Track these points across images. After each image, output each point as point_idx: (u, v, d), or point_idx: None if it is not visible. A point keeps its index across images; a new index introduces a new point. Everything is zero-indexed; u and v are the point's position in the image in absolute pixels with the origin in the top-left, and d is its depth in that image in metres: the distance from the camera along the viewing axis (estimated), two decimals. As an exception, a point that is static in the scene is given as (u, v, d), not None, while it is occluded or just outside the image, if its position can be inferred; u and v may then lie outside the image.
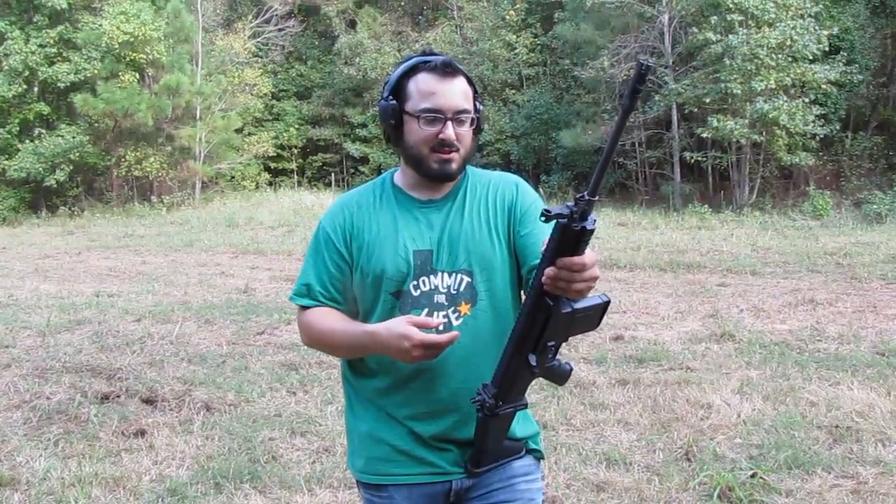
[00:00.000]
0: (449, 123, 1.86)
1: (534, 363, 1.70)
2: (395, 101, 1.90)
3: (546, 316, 1.64)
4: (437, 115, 1.86)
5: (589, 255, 1.56)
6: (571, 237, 1.53)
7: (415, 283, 1.90)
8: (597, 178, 1.51)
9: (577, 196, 1.52)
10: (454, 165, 1.90)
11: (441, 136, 1.86)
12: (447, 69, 1.88)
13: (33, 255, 15.68)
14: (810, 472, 4.18)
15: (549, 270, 1.55)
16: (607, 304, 1.68)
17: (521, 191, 2.01)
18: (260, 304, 9.35)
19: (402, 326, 1.73)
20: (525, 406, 1.86)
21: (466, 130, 1.90)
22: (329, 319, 1.96)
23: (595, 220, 1.55)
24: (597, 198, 1.52)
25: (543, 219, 1.54)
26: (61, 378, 6.16)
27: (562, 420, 5.07)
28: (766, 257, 12.39)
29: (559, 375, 1.77)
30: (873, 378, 5.76)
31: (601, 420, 5.08)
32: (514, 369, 1.74)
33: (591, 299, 1.67)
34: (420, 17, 32.66)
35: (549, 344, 1.70)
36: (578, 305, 1.63)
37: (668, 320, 8.02)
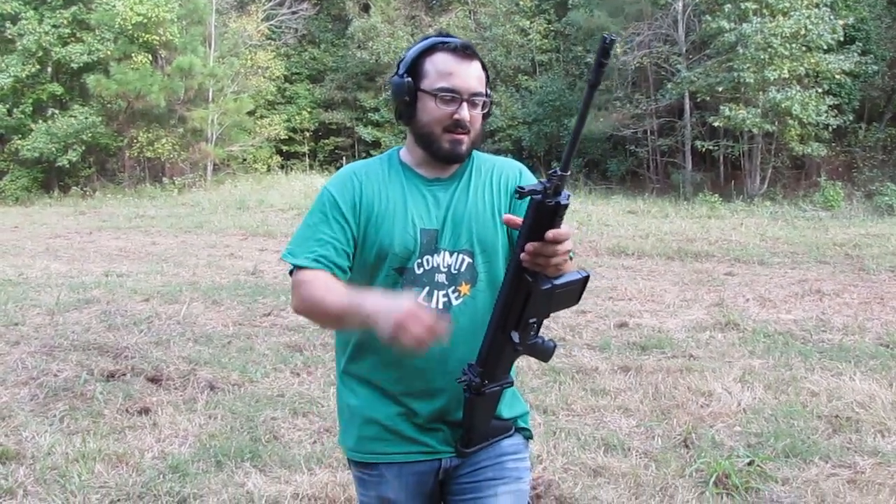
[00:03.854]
0: (464, 104, 1.87)
1: (516, 340, 1.72)
2: (410, 79, 1.90)
3: (526, 293, 1.66)
4: (453, 95, 1.87)
5: (564, 229, 1.58)
6: (546, 213, 1.56)
7: (419, 261, 1.92)
8: (567, 154, 1.53)
9: (550, 172, 1.54)
10: (464, 147, 1.91)
11: (456, 116, 1.87)
12: (466, 51, 1.90)
13: (45, 235, 15.78)
14: (808, 461, 4.19)
15: (529, 246, 1.58)
16: (586, 279, 1.70)
17: (524, 177, 2.03)
18: (267, 285, 9.40)
19: (412, 304, 1.64)
20: (511, 384, 1.89)
21: (478, 114, 1.92)
22: (326, 285, 1.86)
23: (569, 196, 1.57)
24: (568, 173, 1.54)
25: (517, 196, 1.57)
26: (68, 356, 6.22)
27: (562, 405, 5.09)
28: (775, 247, 12.37)
29: (543, 352, 1.79)
30: (876, 369, 5.76)
31: (601, 406, 5.10)
32: (497, 347, 1.76)
33: (571, 275, 1.69)
34: (434, 1, 32.55)
35: (531, 321, 1.72)
36: (558, 282, 1.65)
37: (673, 308, 8.02)
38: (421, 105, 1.91)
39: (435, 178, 1.98)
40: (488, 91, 1.95)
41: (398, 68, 1.94)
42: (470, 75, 1.89)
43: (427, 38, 1.95)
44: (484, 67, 1.94)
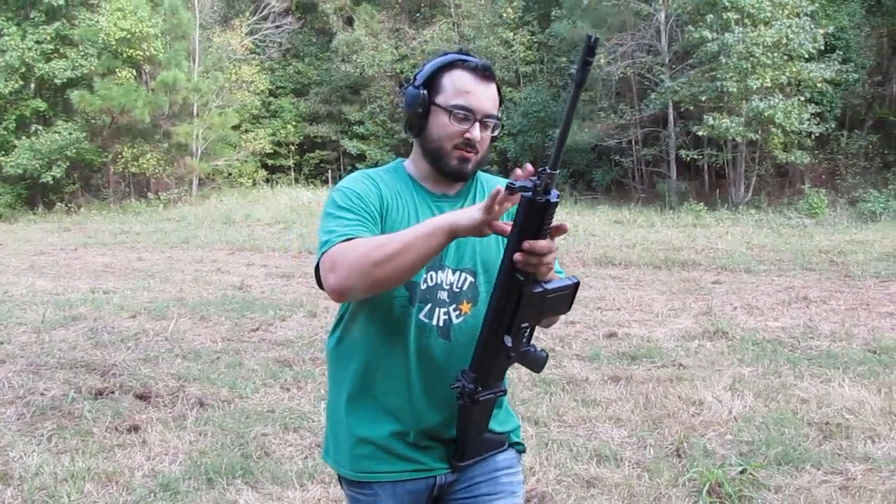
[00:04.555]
0: (476, 124, 1.87)
1: (509, 344, 1.72)
2: (425, 92, 1.90)
3: (518, 295, 1.66)
4: (468, 114, 1.87)
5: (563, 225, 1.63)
6: (537, 210, 1.57)
7: (425, 276, 1.90)
8: (556, 152, 1.53)
9: (539, 169, 1.55)
10: (470, 166, 1.92)
11: (467, 134, 1.87)
12: (486, 72, 1.90)
13: (29, 252, 15.67)
14: (799, 469, 4.20)
15: (526, 244, 1.59)
16: (577, 285, 1.71)
17: None
18: (255, 300, 9.36)
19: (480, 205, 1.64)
20: (504, 392, 1.88)
21: (488, 136, 1.92)
22: (373, 238, 1.75)
23: (558, 194, 1.58)
24: (557, 171, 1.55)
25: (508, 192, 1.57)
26: (55, 374, 6.17)
27: (553, 416, 5.09)
28: (761, 255, 12.43)
29: (535, 361, 1.78)
30: (864, 375, 5.79)
31: (593, 416, 5.10)
32: (490, 352, 1.76)
33: (562, 281, 1.69)
34: (417, 14, 32.64)
35: (523, 325, 1.71)
36: (549, 286, 1.65)
37: (661, 317, 8.04)
38: (433, 119, 1.90)
39: (442, 193, 1.98)
40: (499, 114, 1.95)
41: (414, 79, 1.94)
42: (486, 96, 1.89)
43: (447, 53, 1.95)
44: (499, 91, 1.95)
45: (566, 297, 1.70)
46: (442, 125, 1.89)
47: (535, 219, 1.57)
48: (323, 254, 1.77)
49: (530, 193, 1.56)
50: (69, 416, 5.21)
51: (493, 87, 1.92)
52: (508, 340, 1.72)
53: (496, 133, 1.95)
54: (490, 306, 1.73)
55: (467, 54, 1.94)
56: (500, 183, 2.02)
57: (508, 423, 2.06)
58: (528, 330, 1.74)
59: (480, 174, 2.06)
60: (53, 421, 5.12)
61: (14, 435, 4.86)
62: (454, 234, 1.65)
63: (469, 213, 1.64)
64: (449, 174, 1.93)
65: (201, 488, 4.12)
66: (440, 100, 1.89)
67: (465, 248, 1.94)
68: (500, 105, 1.95)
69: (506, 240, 1.81)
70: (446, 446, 1.95)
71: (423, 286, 1.91)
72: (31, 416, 5.24)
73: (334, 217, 1.85)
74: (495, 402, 1.90)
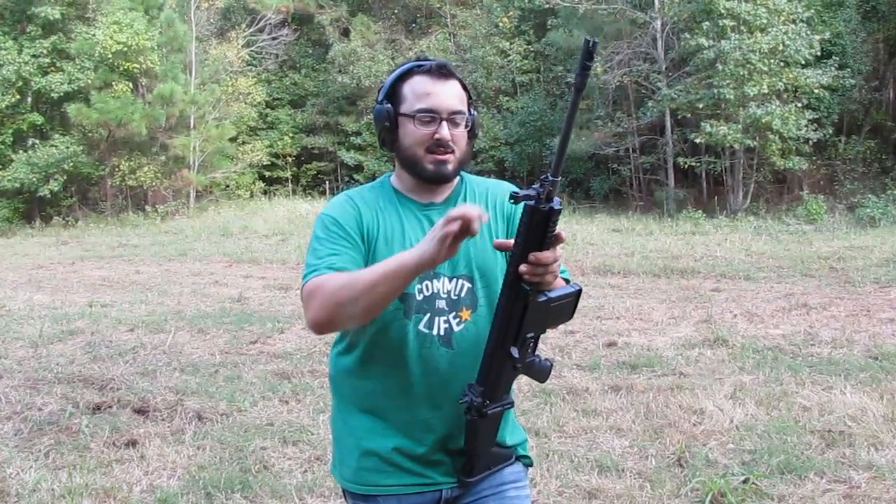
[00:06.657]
0: (444, 123, 1.86)
1: (516, 355, 1.71)
2: (389, 105, 1.90)
3: (524, 306, 1.66)
4: (432, 115, 1.85)
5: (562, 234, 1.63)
6: (541, 218, 1.57)
7: (419, 286, 1.88)
8: (558, 159, 1.54)
9: (542, 177, 1.55)
10: (449, 167, 1.89)
11: (437, 135, 1.85)
12: (442, 70, 1.89)
13: (27, 266, 15.65)
14: (803, 477, 4.17)
15: (531, 257, 1.59)
16: (579, 292, 1.71)
17: None
18: (253, 313, 9.33)
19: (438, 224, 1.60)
20: (511, 405, 1.87)
21: (461, 132, 1.90)
22: (347, 273, 1.77)
23: (560, 202, 1.58)
24: (559, 178, 1.55)
25: (512, 201, 1.58)
26: (53, 389, 6.14)
27: (554, 427, 5.06)
28: (760, 262, 12.41)
29: (540, 371, 1.78)
30: (866, 382, 5.75)
31: (594, 427, 5.07)
32: (497, 364, 1.74)
33: (565, 289, 1.70)
34: (413, 24, 32.72)
35: (529, 335, 1.71)
36: (553, 294, 1.66)
37: (661, 326, 8.01)
38: (402, 129, 1.90)
39: (429, 202, 1.96)
40: (471, 110, 1.93)
41: (378, 95, 1.94)
42: (447, 94, 1.88)
43: (404, 63, 1.95)
44: (464, 87, 1.93)
45: (569, 304, 1.70)
46: (410, 133, 1.89)
47: (538, 227, 1.57)
48: (302, 287, 1.81)
49: (534, 202, 1.55)
50: (67, 432, 5.17)
51: (453, 84, 1.90)
52: (515, 351, 1.71)
53: (470, 127, 1.93)
54: (496, 318, 1.73)
55: (425, 59, 1.93)
56: (487, 185, 2.04)
57: (516, 437, 2.04)
58: (534, 340, 1.73)
59: (467, 176, 2.04)
60: (51, 436, 5.09)
61: (11, 451, 4.83)
62: (418, 269, 1.64)
63: (425, 245, 1.61)
64: (429, 180, 1.92)
65: (200, 503, 4.09)
66: (404, 108, 1.89)
67: (460, 255, 1.91)
68: (469, 101, 1.94)
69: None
70: (454, 458, 1.93)
71: (419, 297, 1.89)
72: (29, 431, 5.20)
73: (313, 249, 1.88)
74: (503, 415, 1.89)
